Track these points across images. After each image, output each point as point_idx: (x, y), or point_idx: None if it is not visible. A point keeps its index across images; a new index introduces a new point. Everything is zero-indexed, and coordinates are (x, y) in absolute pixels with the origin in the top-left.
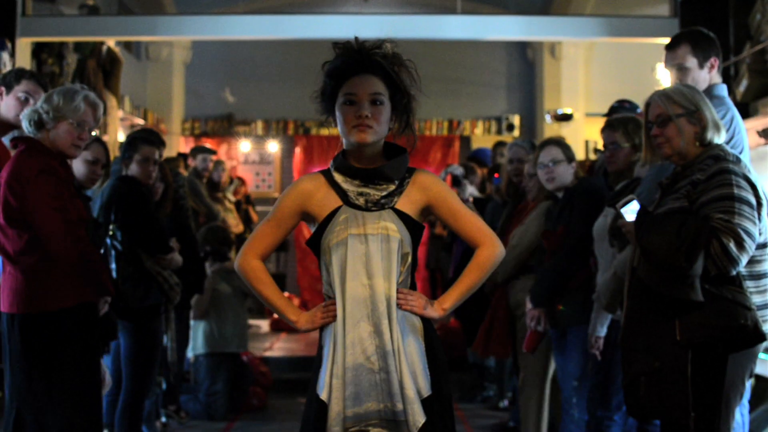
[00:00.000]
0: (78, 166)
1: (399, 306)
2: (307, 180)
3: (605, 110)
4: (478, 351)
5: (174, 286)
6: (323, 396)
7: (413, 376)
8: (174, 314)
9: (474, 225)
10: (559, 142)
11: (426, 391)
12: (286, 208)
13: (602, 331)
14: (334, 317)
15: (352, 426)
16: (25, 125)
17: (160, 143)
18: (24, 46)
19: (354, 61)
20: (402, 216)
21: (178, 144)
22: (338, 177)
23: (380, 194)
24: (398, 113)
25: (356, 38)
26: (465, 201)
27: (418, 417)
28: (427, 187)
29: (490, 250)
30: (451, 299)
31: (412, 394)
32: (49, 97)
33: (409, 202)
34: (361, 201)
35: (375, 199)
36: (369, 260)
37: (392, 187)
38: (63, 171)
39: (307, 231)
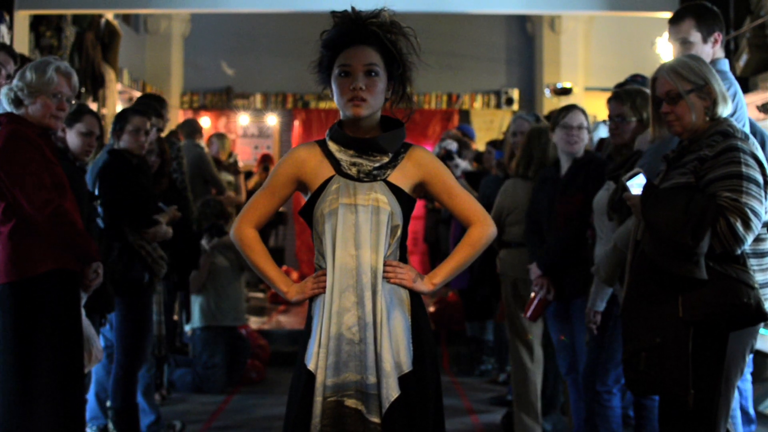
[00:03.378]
0: (72, 139)
1: (387, 279)
2: (302, 149)
3: (604, 84)
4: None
5: (158, 260)
6: (311, 366)
7: (395, 350)
8: (163, 287)
9: (467, 204)
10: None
11: (407, 367)
12: (281, 177)
13: (601, 306)
14: (325, 288)
15: (331, 396)
16: (5, 103)
17: (154, 112)
18: (22, 19)
19: (349, 31)
20: (394, 189)
21: (177, 117)
22: (333, 146)
23: (373, 165)
24: (395, 83)
25: (353, 8)
26: (458, 178)
27: (392, 391)
28: (423, 164)
29: (483, 228)
30: (441, 275)
31: (389, 368)
32: (22, 74)
33: (402, 176)
34: (353, 171)
35: (367, 170)
36: (358, 231)
37: (386, 159)
38: (40, 140)
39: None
